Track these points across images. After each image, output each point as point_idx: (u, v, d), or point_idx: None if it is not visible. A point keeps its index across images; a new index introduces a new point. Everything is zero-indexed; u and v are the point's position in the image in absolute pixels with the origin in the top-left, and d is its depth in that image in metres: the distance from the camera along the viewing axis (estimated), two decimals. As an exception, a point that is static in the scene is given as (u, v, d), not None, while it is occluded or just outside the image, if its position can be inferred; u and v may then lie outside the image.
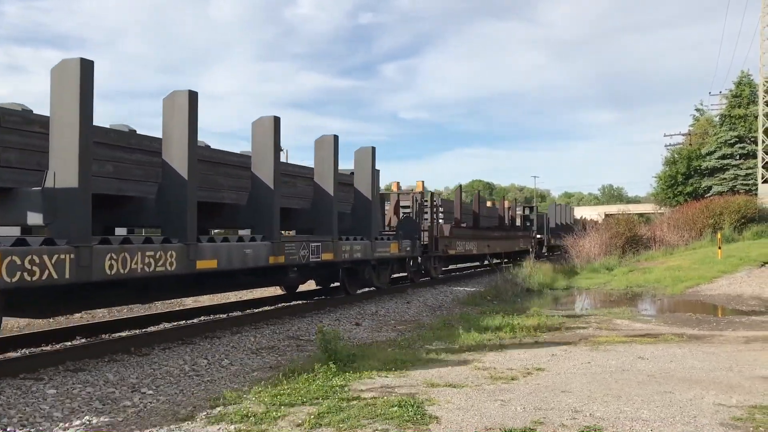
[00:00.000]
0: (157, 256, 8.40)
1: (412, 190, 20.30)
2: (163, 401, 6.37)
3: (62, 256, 7.00)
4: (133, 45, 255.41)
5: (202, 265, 9.26)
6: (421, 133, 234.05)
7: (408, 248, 16.85)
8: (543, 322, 11.20)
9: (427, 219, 19.69)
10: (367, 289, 15.97)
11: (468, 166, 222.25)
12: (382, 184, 19.76)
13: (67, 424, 5.56)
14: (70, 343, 9.03)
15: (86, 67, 7.41)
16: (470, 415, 5.55)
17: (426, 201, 19.83)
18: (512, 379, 6.99)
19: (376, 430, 5.14)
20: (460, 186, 23.90)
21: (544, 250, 33.71)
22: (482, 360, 8.11)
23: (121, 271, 7.81)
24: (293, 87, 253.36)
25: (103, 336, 9.66)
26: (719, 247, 23.64)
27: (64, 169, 7.26)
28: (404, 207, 20.00)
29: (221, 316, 11.92)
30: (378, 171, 15.43)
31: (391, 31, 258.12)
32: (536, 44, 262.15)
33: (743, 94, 44.64)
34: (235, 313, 12.17)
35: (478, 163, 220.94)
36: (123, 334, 9.87)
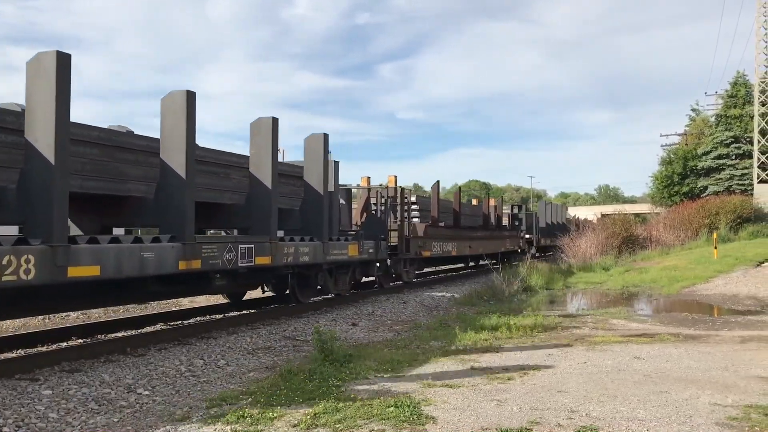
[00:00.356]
0: (5, 262, 6.42)
1: (381, 185, 18.20)
2: (159, 402, 6.36)
3: None
4: (129, 44, 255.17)
5: (77, 272, 7.26)
6: (419, 133, 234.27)
7: (371, 250, 14.93)
8: (539, 322, 11.20)
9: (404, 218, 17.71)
10: (319, 298, 14.09)
11: (465, 167, 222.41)
12: (376, 182, 18.32)
13: (62, 425, 5.54)
14: (65, 344, 9.01)
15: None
16: (467, 415, 5.55)
17: (399, 198, 17.57)
18: (508, 379, 6.99)
19: (373, 430, 5.14)
20: (438, 182, 21.40)
21: (534, 250, 31.99)
22: (479, 360, 8.11)
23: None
24: (289, 87, 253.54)
25: (99, 336, 9.64)
26: (715, 247, 23.70)
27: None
28: (377, 205, 18.35)
29: (217, 316, 11.91)
30: (336, 162, 14.08)
31: (388, 31, 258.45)
32: (533, 44, 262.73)
33: (739, 94, 44.79)
34: (231, 314, 12.14)
35: (475, 163, 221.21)
36: (119, 334, 9.85)
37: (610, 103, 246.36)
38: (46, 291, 7.67)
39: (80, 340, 9.25)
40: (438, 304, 15.16)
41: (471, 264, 26.40)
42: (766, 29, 40.11)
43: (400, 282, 17.94)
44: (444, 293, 17.51)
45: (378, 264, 15.92)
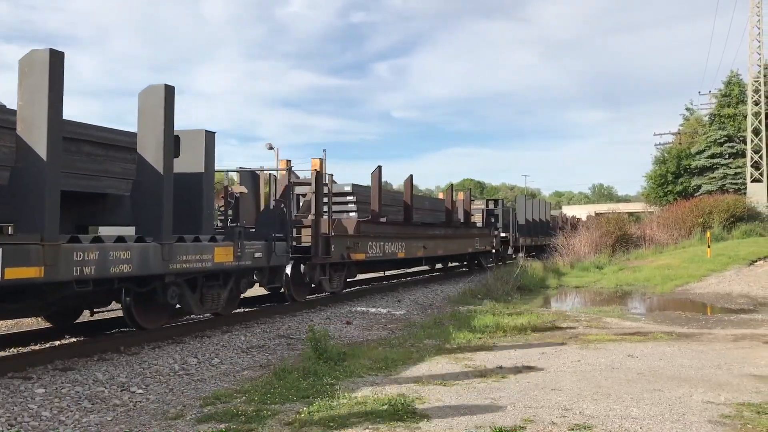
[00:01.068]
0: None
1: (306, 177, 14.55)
2: (153, 400, 6.34)
3: None
4: (123, 43, 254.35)
5: None
6: (413, 133, 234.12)
7: (258, 254, 10.69)
8: (533, 321, 11.22)
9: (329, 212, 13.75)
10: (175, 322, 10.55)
11: (459, 166, 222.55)
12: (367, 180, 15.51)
13: (56, 424, 5.53)
14: (59, 342, 8.98)
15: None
16: (460, 413, 5.56)
17: (315, 185, 13.25)
18: (502, 378, 7.01)
19: (366, 428, 5.14)
20: (379, 168, 16.67)
21: (510, 251, 28.22)
22: (473, 358, 8.12)
23: None
24: (284, 86, 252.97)
25: (93, 335, 9.61)
26: (708, 246, 23.79)
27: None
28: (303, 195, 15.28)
29: (210, 315, 11.86)
30: (212, 133, 10.15)
31: (383, 30, 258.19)
32: (527, 44, 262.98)
33: (732, 93, 44.91)
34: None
35: (469, 163, 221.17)
36: (112, 332, 9.83)
37: (604, 102, 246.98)
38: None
39: (73, 339, 9.22)
40: (432, 303, 15.17)
41: (437, 267, 23.70)
42: (759, 28, 40.28)
43: (323, 294, 14.47)
44: (452, 287, 17.52)
45: (267, 272, 11.44)
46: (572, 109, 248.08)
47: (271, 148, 41.83)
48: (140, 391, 6.68)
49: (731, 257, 22.33)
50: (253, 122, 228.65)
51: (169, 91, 8.72)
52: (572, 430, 5.12)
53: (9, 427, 5.40)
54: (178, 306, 9.60)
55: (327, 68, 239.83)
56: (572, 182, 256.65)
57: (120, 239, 7.92)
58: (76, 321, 10.09)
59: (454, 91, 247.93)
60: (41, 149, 6.96)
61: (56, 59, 7.05)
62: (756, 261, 21.70)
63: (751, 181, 39.56)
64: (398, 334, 10.40)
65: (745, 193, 38.79)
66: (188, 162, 9.71)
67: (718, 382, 6.80)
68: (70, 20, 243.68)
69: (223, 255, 9.75)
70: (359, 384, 6.68)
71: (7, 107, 7.69)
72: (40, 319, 10.10)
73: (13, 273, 6.46)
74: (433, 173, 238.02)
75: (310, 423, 5.27)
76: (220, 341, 9.42)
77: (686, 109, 56.43)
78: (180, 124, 8.89)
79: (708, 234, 25.60)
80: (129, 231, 8.76)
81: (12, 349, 8.45)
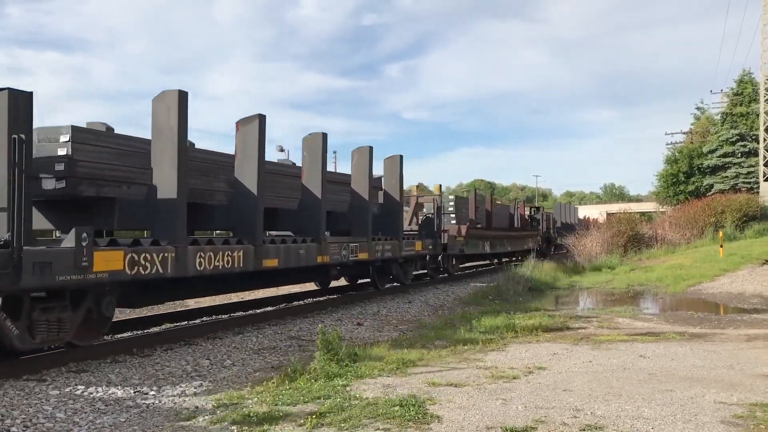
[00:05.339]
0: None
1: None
2: (166, 402, 6.39)
3: None
4: (136, 46, 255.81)
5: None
6: (423, 133, 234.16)
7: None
8: (544, 321, 11.20)
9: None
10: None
11: (470, 166, 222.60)
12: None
13: (70, 425, 5.58)
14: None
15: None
16: (471, 414, 5.57)
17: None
18: (513, 378, 7.00)
19: (378, 429, 5.16)
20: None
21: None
22: (484, 359, 8.12)
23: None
24: (295, 87, 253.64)
25: (106, 337, 9.67)
26: (721, 246, 23.62)
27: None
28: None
29: (223, 316, 11.94)
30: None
31: (394, 32, 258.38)
32: (537, 43, 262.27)
33: (745, 91, 44.61)
34: (237, 314, 12.18)
35: (479, 163, 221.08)
36: (125, 335, 9.89)
37: (615, 101, 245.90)
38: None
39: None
40: (443, 304, 15.16)
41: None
42: (771, 26, 39.91)
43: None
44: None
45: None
46: (583, 109, 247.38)
47: (281, 150, 41.96)
48: (153, 392, 6.73)
49: (744, 257, 22.16)
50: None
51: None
52: (583, 430, 5.12)
53: (24, 429, 5.46)
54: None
55: (338, 70, 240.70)
56: (583, 182, 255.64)
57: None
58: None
59: (465, 91, 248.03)
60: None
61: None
62: (769, 260, 21.52)
63: (764, 180, 39.24)
64: (409, 335, 10.41)
65: (758, 192, 38.49)
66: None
67: (731, 383, 6.76)
68: (83, 24, 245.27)
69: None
70: (371, 385, 6.70)
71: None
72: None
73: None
74: (443, 173, 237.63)
75: (321, 424, 5.29)
76: (231, 342, 9.47)
77: (697, 108, 56.26)
78: (191, 126, 9.14)
79: (720, 233, 25.43)
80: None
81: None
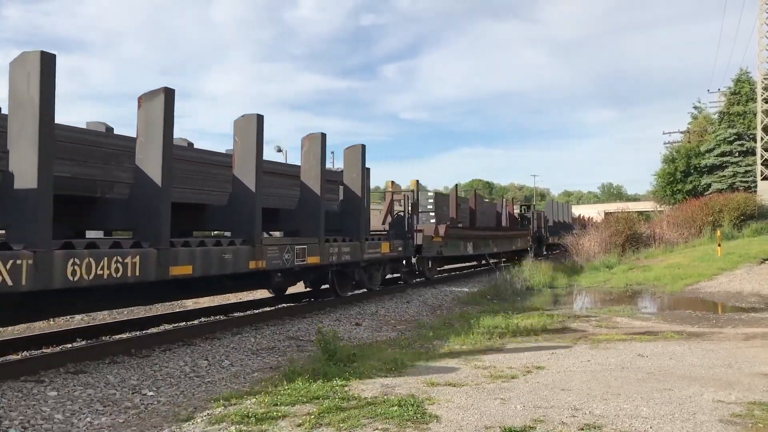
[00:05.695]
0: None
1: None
2: (164, 402, 6.39)
3: None
4: (134, 47, 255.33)
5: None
6: (421, 133, 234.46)
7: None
8: (543, 321, 11.21)
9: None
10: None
11: (468, 166, 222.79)
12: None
13: (68, 426, 5.57)
14: (70, 345, 9.03)
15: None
16: (470, 414, 5.57)
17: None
18: (512, 378, 7.00)
19: (377, 429, 5.16)
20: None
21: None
22: (482, 359, 8.12)
23: None
24: (293, 88, 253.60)
25: (104, 338, 9.67)
26: (719, 245, 23.65)
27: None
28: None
29: (221, 317, 11.93)
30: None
31: (392, 32, 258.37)
32: (535, 44, 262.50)
33: (742, 91, 44.68)
34: (235, 314, 12.16)
35: (477, 163, 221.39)
36: (123, 335, 9.88)
37: (613, 101, 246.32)
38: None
39: (85, 342, 9.27)
40: (441, 304, 15.16)
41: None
42: (768, 26, 39.99)
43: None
44: (463, 288, 18.80)
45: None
46: (581, 109, 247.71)
47: (279, 150, 41.96)
48: (151, 393, 6.72)
49: (742, 256, 22.19)
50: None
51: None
52: (582, 429, 5.12)
53: (23, 430, 5.45)
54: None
55: (336, 70, 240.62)
56: (581, 181, 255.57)
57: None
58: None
59: (463, 91, 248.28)
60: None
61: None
62: (767, 259, 21.56)
63: (762, 179, 39.31)
64: (408, 335, 10.41)
65: (755, 191, 38.54)
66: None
67: (729, 381, 6.77)
68: (81, 25, 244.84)
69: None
70: (369, 385, 6.70)
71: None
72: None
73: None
74: (442, 173, 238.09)
75: (320, 424, 5.29)
76: (230, 343, 9.46)
77: (695, 107, 56.34)
78: (188, 127, 8.93)
79: (718, 232, 25.45)
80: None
81: (24, 352, 8.51)
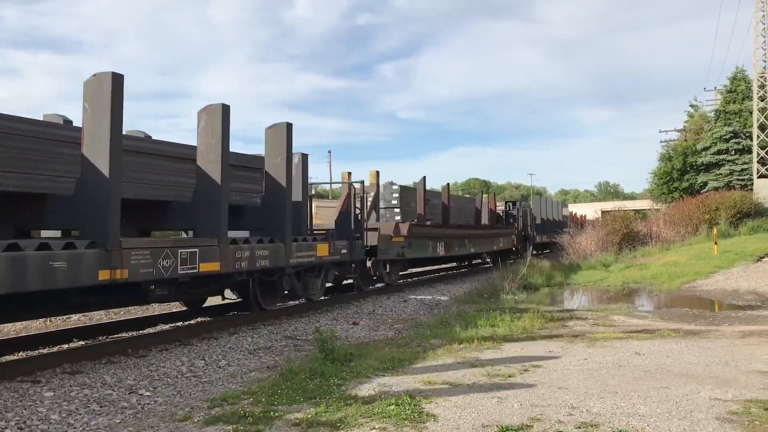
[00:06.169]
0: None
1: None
2: (161, 402, 6.37)
3: None
4: (131, 48, 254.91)
5: None
6: (419, 133, 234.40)
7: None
8: (540, 319, 11.21)
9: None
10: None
11: (465, 165, 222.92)
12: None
13: (64, 427, 5.56)
14: (67, 346, 9.02)
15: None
16: (467, 413, 5.56)
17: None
18: (509, 376, 7.00)
19: (374, 428, 5.15)
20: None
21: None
22: (479, 357, 8.12)
23: None
24: (290, 88, 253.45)
25: (101, 338, 9.65)
26: (715, 243, 23.70)
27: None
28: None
29: (218, 317, 11.90)
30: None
31: (389, 32, 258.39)
32: (533, 43, 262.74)
33: (738, 89, 44.76)
34: (232, 314, 12.14)
35: (475, 162, 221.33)
36: (120, 335, 9.87)
37: (610, 100, 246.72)
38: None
39: (81, 342, 9.26)
40: (439, 303, 15.17)
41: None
42: (764, 24, 40.03)
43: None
44: (434, 296, 17.20)
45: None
46: (578, 108, 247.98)
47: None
48: (148, 393, 6.71)
49: (738, 254, 22.24)
50: (259, 124, 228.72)
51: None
52: (579, 428, 5.12)
53: (19, 431, 5.43)
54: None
55: (333, 70, 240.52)
56: (578, 180, 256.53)
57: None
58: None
59: (460, 91, 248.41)
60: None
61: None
62: (763, 257, 21.61)
63: (758, 177, 39.36)
64: (405, 334, 10.40)
65: (751, 189, 38.60)
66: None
67: (726, 379, 6.78)
68: (78, 25, 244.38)
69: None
70: (366, 384, 6.69)
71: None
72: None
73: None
74: (439, 173, 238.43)
75: (317, 423, 5.28)
76: (227, 343, 9.45)
77: (691, 105, 56.31)
78: (185, 127, 8.81)
79: (715, 231, 25.51)
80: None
81: (20, 352, 8.49)
